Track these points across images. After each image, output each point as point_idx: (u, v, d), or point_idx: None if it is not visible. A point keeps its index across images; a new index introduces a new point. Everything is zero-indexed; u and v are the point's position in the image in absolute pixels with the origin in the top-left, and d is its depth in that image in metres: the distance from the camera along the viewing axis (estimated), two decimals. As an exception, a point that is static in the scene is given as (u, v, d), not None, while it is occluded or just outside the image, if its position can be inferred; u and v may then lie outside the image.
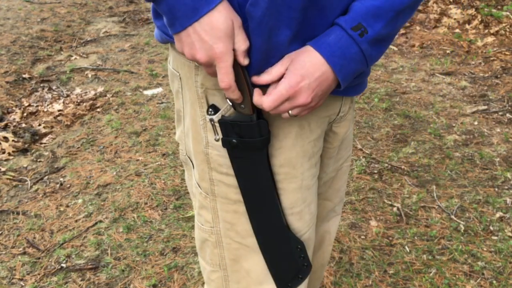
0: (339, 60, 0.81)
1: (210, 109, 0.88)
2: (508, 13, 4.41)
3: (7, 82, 3.63)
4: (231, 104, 0.86)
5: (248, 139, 0.87)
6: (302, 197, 0.97)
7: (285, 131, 0.90)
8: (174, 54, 0.95)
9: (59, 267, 2.01)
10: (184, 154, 1.03)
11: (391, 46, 4.09)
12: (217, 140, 0.90)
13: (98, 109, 3.28)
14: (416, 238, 2.12)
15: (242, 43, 0.79)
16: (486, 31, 4.34)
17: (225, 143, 0.88)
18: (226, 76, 0.79)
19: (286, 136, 0.91)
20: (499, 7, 4.62)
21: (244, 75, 0.82)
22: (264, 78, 0.83)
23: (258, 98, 0.83)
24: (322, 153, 1.03)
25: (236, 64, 0.80)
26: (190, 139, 0.96)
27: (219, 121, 0.88)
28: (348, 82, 0.85)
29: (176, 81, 0.96)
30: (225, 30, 0.77)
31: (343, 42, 0.80)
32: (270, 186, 0.93)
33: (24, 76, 3.76)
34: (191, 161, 1.00)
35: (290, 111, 0.84)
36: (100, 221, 2.26)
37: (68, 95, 3.49)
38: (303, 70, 0.81)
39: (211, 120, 0.88)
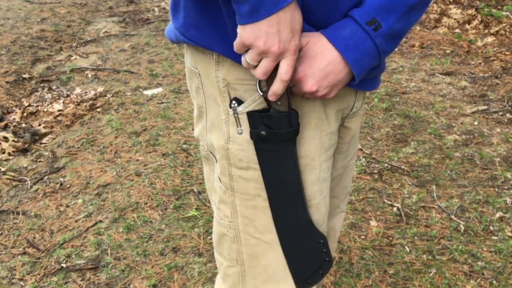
0: (353, 53, 0.83)
1: (234, 102, 0.88)
2: (508, 13, 4.41)
3: (7, 82, 3.63)
4: (266, 101, 0.87)
5: (277, 130, 0.87)
6: (319, 189, 0.97)
7: (305, 122, 0.91)
8: (191, 51, 0.95)
9: (59, 267, 2.01)
10: (206, 150, 1.03)
11: (391, 46, 4.09)
12: (240, 133, 0.90)
13: (98, 109, 3.28)
14: (416, 238, 2.12)
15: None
16: (486, 31, 4.34)
17: (254, 135, 0.88)
18: (291, 70, 0.80)
19: (306, 127, 0.91)
20: (499, 7, 4.62)
21: None
22: None
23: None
24: None
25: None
26: (213, 134, 0.97)
27: (248, 113, 0.88)
28: (362, 76, 0.87)
29: (195, 78, 0.96)
30: (300, 25, 0.79)
31: (357, 36, 0.83)
32: (297, 179, 0.93)
33: (24, 76, 3.76)
34: (214, 156, 1.01)
35: (304, 95, 0.87)
36: (100, 221, 2.26)
37: (68, 95, 3.49)
38: (312, 59, 0.83)
39: (235, 112, 0.88)
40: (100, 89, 3.55)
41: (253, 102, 0.88)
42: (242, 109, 0.88)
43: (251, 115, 0.88)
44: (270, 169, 0.91)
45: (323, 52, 0.83)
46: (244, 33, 0.78)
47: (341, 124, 1.04)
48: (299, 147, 0.92)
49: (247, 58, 0.81)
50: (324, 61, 0.83)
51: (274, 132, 0.87)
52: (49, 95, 3.50)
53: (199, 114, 1.02)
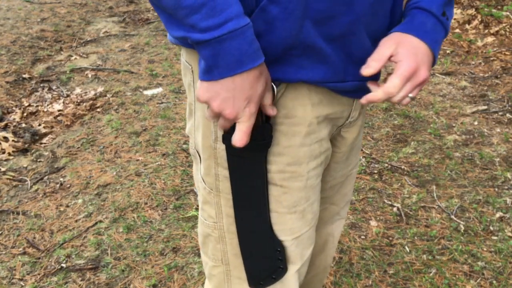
0: (437, 45, 0.90)
1: None
2: (508, 13, 4.41)
3: (7, 82, 3.63)
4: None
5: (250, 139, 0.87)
6: (305, 196, 0.97)
7: (294, 130, 0.91)
8: (187, 47, 0.95)
9: (59, 267, 2.01)
10: (193, 148, 1.03)
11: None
12: None
13: (98, 109, 3.28)
14: (416, 238, 2.12)
15: (269, 99, 0.82)
16: (486, 31, 4.34)
17: (225, 140, 0.88)
18: (246, 136, 0.81)
19: (295, 134, 0.91)
20: (499, 7, 4.62)
21: None
22: (374, 67, 0.84)
23: (380, 91, 0.85)
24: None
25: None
26: (199, 133, 0.96)
27: None
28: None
29: (189, 74, 0.96)
30: (260, 93, 0.78)
31: (437, 28, 0.90)
32: (262, 187, 0.93)
33: (24, 76, 3.76)
34: (199, 155, 1.00)
35: (410, 94, 0.87)
36: (100, 221, 2.26)
37: (68, 95, 3.49)
38: (414, 49, 0.85)
39: None
40: (100, 89, 3.55)
41: None
42: None
43: None
44: (238, 173, 0.91)
45: (419, 46, 0.86)
46: (201, 90, 0.79)
47: (337, 133, 1.03)
48: (286, 154, 0.92)
49: (206, 113, 0.83)
50: (425, 51, 0.86)
51: None
52: (49, 95, 3.50)
53: (190, 111, 1.01)
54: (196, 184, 1.11)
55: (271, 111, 0.83)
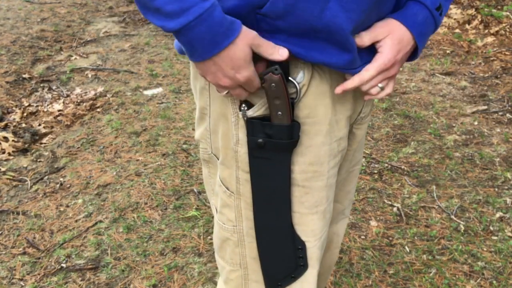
0: (423, 38, 0.91)
1: (244, 105, 0.88)
2: (508, 13, 4.41)
3: (7, 82, 3.63)
4: (268, 112, 0.87)
5: (277, 140, 0.87)
6: (326, 195, 0.97)
7: (316, 129, 0.90)
8: None
9: (59, 267, 2.01)
10: (209, 153, 1.02)
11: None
12: None
13: (98, 109, 3.28)
14: (416, 238, 2.12)
15: (270, 51, 0.81)
16: (486, 31, 4.34)
17: (251, 143, 0.88)
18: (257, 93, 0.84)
19: (317, 133, 0.91)
20: (499, 7, 4.62)
21: (284, 85, 0.83)
22: (365, 43, 0.87)
23: (356, 78, 0.88)
24: None
25: (273, 76, 0.82)
26: (219, 136, 0.95)
27: (248, 120, 0.87)
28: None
29: (201, 77, 0.95)
30: (244, 59, 0.79)
31: (428, 22, 0.91)
32: (287, 186, 0.92)
33: (24, 76, 3.76)
34: (218, 159, 0.99)
35: (380, 84, 0.90)
36: (100, 221, 2.26)
37: (68, 95, 3.49)
38: (400, 45, 0.88)
39: (244, 115, 0.88)
40: (100, 89, 3.55)
41: (262, 106, 0.87)
42: (251, 113, 0.87)
43: (250, 122, 0.87)
44: (263, 175, 0.91)
45: (407, 38, 0.89)
46: (196, 67, 0.84)
47: (349, 130, 1.03)
48: (308, 154, 0.91)
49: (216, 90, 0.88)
50: (407, 45, 0.90)
51: (274, 142, 0.87)
52: (49, 95, 3.50)
53: (201, 116, 1.00)
54: (208, 188, 1.10)
55: (278, 56, 0.81)
